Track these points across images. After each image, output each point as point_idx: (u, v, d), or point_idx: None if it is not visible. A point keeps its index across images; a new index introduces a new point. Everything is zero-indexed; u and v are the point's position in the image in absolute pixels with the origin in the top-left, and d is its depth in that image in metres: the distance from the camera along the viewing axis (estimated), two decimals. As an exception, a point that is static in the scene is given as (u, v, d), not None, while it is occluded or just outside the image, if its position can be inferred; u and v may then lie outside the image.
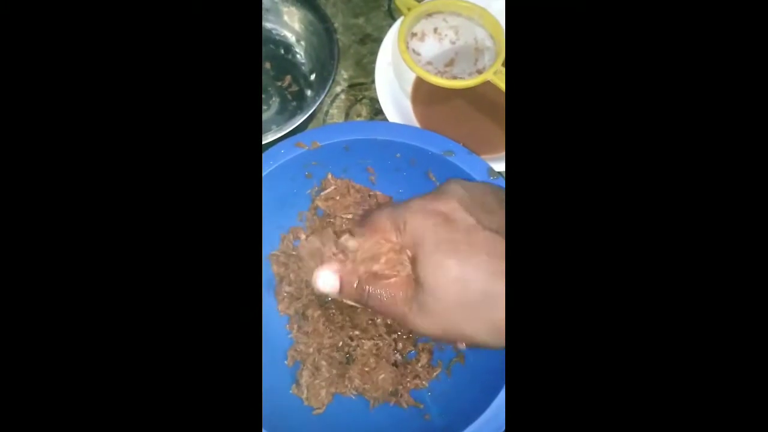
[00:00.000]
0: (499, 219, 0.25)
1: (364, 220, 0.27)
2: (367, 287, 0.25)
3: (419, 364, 0.33)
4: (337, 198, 0.35)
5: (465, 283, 0.23)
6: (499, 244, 0.23)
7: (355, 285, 0.25)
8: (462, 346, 0.26)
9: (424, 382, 0.32)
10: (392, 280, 0.25)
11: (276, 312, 0.34)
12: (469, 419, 0.28)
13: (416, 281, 0.24)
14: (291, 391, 0.32)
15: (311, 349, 0.33)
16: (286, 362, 0.33)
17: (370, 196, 0.35)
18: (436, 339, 0.26)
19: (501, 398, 0.28)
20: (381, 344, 0.33)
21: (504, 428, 0.27)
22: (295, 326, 0.34)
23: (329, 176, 0.35)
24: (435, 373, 0.32)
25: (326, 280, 0.25)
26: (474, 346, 0.25)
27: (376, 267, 0.25)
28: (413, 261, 0.24)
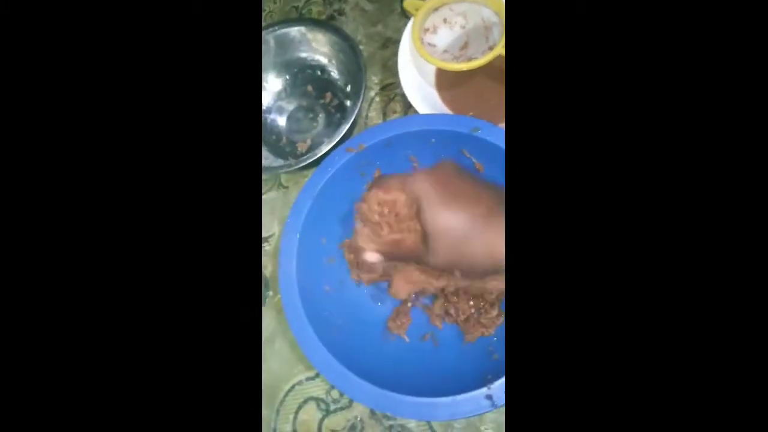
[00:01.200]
0: (481, 184, 0.34)
1: (380, 180, 0.36)
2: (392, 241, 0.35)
3: (486, 316, 0.38)
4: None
5: (457, 227, 0.32)
6: (486, 198, 0.32)
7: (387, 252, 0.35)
8: (458, 273, 0.34)
9: (490, 330, 0.38)
10: (409, 240, 0.34)
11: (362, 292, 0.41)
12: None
13: (424, 231, 0.33)
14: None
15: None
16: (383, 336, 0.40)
17: None
18: (445, 268, 0.34)
19: None
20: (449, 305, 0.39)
21: None
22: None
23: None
24: (499, 321, 0.38)
25: (370, 257, 0.36)
26: (469, 271, 0.33)
27: (395, 227, 0.34)
28: (419, 212, 0.33)
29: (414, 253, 0.35)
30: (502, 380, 0.33)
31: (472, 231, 0.32)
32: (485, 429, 0.38)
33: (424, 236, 0.33)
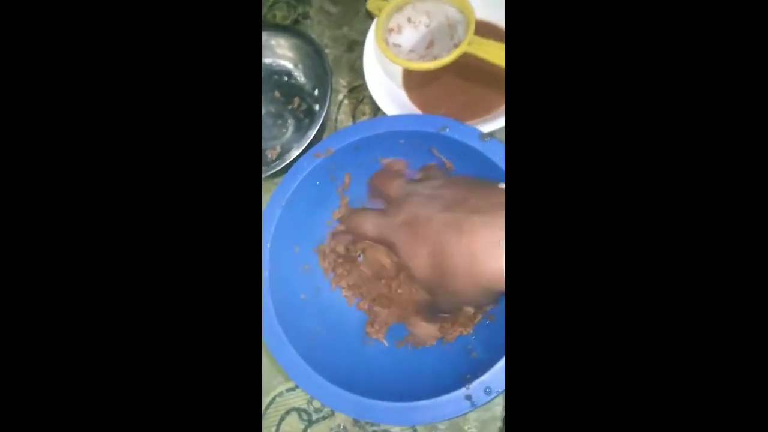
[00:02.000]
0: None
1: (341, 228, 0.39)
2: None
3: (464, 315, 0.38)
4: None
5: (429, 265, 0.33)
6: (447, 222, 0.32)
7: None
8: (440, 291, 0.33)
9: (468, 329, 0.37)
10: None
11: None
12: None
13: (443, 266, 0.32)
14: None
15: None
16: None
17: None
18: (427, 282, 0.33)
19: None
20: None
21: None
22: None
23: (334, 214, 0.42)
24: (477, 320, 0.38)
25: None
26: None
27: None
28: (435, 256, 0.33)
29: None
30: (481, 379, 0.33)
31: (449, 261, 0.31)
32: (468, 428, 0.38)
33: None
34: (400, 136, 0.38)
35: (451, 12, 0.46)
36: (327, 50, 0.51)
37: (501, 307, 0.38)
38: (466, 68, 0.47)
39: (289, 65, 0.52)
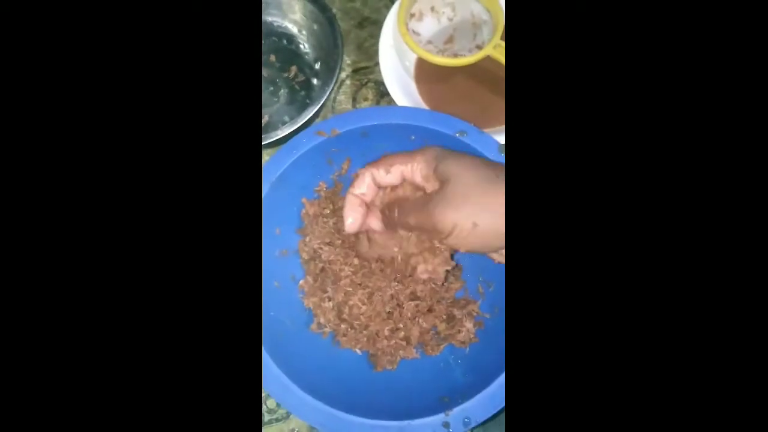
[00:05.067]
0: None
1: (380, 161, 0.32)
2: (394, 209, 0.31)
3: (460, 328, 0.35)
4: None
5: (485, 173, 0.29)
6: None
7: (380, 210, 0.32)
8: (463, 250, 0.29)
9: (465, 344, 0.35)
10: (416, 196, 0.31)
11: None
12: (491, 378, 0.31)
13: (441, 182, 0.29)
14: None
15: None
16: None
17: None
18: (459, 233, 0.28)
19: None
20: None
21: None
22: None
23: (321, 185, 0.38)
24: (472, 337, 0.35)
25: (350, 215, 0.32)
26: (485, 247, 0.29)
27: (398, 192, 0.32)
28: (436, 168, 0.29)
29: (422, 206, 0.29)
30: (462, 407, 0.31)
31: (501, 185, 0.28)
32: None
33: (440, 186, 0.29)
34: (413, 131, 0.35)
35: (477, 10, 0.44)
36: (335, 22, 0.47)
37: (485, 329, 0.36)
38: (483, 72, 0.45)
39: (293, 29, 0.47)
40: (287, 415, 0.37)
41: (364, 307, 0.34)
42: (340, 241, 0.36)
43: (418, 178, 0.31)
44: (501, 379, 0.30)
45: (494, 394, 0.30)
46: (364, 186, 0.32)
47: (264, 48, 0.48)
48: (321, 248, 0.36)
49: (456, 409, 0.30)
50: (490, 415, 0.30)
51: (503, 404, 0.30)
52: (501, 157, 0.34)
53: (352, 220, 0.32)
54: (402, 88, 0.42)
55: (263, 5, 0.46)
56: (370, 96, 0.47)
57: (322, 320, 0.36)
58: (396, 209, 0.31)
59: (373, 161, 0.32)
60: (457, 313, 0.35)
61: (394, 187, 0.32)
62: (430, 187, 0.30)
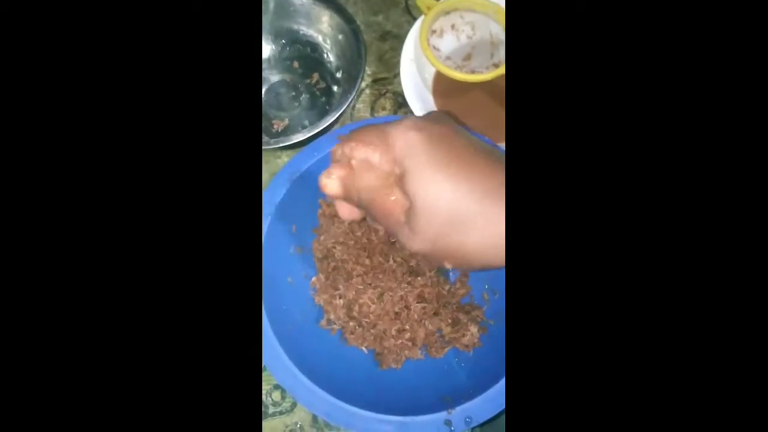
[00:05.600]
0: (488, 153, 0.25)
1: (351, 134, 0.26)
2: (366, 199, 0.25)
3: (465, 332, 0.37)
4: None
5: (458, 202, 0.23)
6: (498, 169, 0.23)
7: (354, 193, 0.26)
8: (449, 265, 0.25)
9: (469, 348, 0.36)
10: (391, 197, 0.25)
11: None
12: (493, 381, 0.32)
13: (407, 199, 0.24)
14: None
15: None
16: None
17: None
18: (426, 257, 0.25)
19: None
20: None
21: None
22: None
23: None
24: (477, 341, 0.36)
25: (329, 183, 0.26)
26: (463, 266, 0.25)
27: (370, 181, 0.25)
28: (401, 178, 0.24)
29: (391, 220, 0.25)
30: (464, 407, 0.32)
31: (475, 211, 0.23)
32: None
33: (408, 207, 0.24)
34: (430, 141, 0.37)
35: (496, 30, 0.46)
36: (358, 34, 0.49)
37: (489, 335, 0.37)
38: (498, 89, 0.47)
39: (318, 38, 0.49)
40: (291, 408, 0.38)
41: (373, 306, 0.35)
42: (353, 242, 0.38)
43: (385, 167, 0.25)
44: (502, 383, 0.32)
45: (496, 395, 0.31)
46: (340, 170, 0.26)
47: (289, 54, 0.50)
48: (335, 247, 0.37)
49: (458, 408, 0.31)
50: (492, 415, 0.31)
51: (504, 407, 0.31)
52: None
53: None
54: (420, 100, 0.44)
55: (291, 13, 0.48)
56: (388, 106, 0.49)
57: (332, 317, 0.37)
58: (366, 205, 0.26)
59: (344, 138, 0.27)
60: (462, 317, 0.37)
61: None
62: (397, 176, 0.25)
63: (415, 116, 0.26)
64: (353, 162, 0.26)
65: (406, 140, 0.24)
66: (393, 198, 0.25)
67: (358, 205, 0.27)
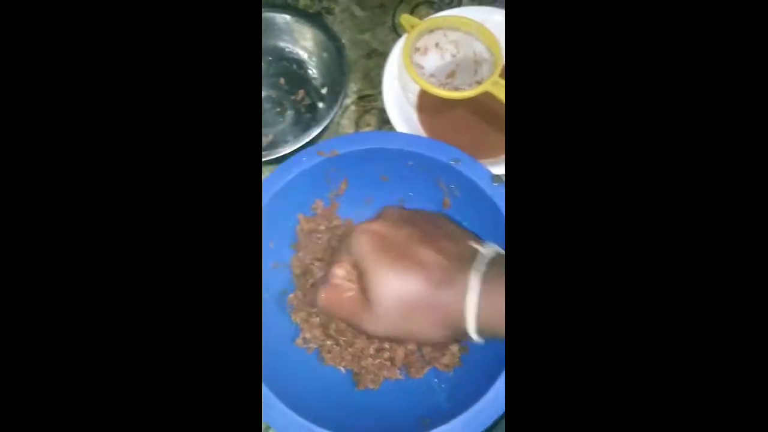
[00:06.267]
0: (436, 237, 0.29)
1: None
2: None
3: (445, 352, 0.36)
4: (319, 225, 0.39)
5: (406, 294, 0.27)
6: (433, 256, 0.28)
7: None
8: (412, 346, 0.31)
9: (449, 368, 0.35)
10: (348, 294, 0.29)
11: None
12: (473, 402, 0.31)
13: (366, 294, 0.28)
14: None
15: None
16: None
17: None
18: (391, 341, 0.30)
19: (501, 383, 0.30)
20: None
21: (503, 411, 0.30)
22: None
23: (317, 202, 0.39)
24: (457, 361, 0.36)
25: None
26: (425, 344, 0.30)
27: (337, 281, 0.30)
28: (360, 276, 0.29)
29: (353, 313, 0.29)
30: (441, 429, 0.31)
31: (421, 299, 0.27)
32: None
33: (367, 300, 0.28)
34: (410, 158, 0.36)
35: (479, 48, 0.46)
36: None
37: (469, 354, 0.36)
38: (482, 106, 0.47)
39: (303, 55, 0.49)
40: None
41: None
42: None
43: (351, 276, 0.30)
44: (481, 404, 0.31)
45: (473, 419, 0.30)
46: None
47: (274, 71, 0.50)
48: (313, 264, 0.37)
49: (435, 431, 0.31)
50: (468, 437, 0.30)
51: (482, 428, 0.30)
52: (494, 187, 0.35)
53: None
54: (403, 117, 0.44)
55: (276, 32, 0.49)
56: (373, 122, 0.49)
57: (308, 335, 0.36)
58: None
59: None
60: None
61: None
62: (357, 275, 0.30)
63: (369, 220, 0.31)
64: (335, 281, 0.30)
65: (359, 244, 0.29)
66: (350, 294, 0.29)
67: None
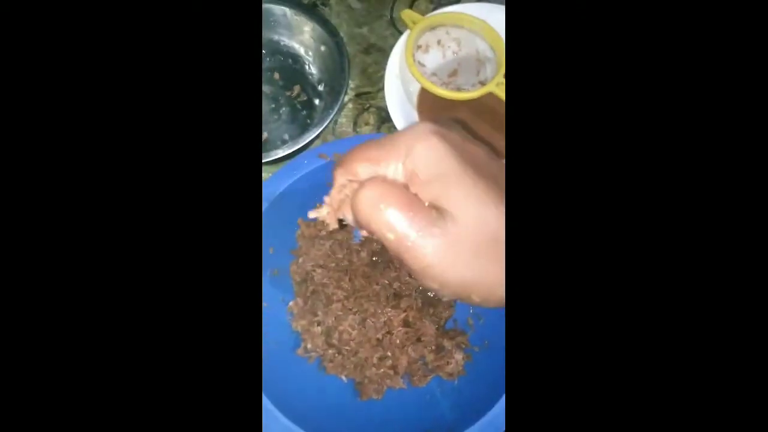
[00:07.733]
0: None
1: (349, 154, 0.24)
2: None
3: (449, 360, 0.35)
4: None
5: (495, 221, 0.20)
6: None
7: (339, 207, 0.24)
8: (476, 299, 0.21)
9: (453, 377, 0.35)
10: (406, 192, 0.21)
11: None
12: (478, 415, 0.30)
13: (437, 202, 0.20)
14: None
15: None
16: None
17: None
18: (453, 288, 0.20)
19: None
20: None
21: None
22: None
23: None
24: (461, 369, 0.35)
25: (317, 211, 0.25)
26: (488, 299, 0.21)
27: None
28: (425, 188, 0.20)
29: (414, 212, 0.20)
30: (448, 442, 0.30)
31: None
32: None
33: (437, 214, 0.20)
34: (415, 161, 0.35)
35: (482, 47, 0.45)
36: (341, 46, 0.48)
37: (473, 362, 0.36)
38: (483, 107, 0.46)
39: (299, 50, 0.48)
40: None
41: (354, 332, 0.34)
42: (333, 264, 0.36)
43: (400, 178, 0.21)
44: (488, 417, 0.30)
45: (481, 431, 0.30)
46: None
47: (269, 65, 0.48)
48: (314, 270, 0.36)
49: (441, 446, 0.30)
50: (475, 452, 0.30)
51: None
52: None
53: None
54: (404, 116, 0.43)
55: (272, 24, 0.47)
56: (372, 121, 0.47)
57: (309, 345, 0.35)
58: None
59: (340, 164, 0.24)
60: (446, 343, 0.35)
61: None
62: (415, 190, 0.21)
63: (427, 122, 0.22)
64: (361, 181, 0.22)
65: (428, 147, 0.20)
66: (408, 193, 0.21)
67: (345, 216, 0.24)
